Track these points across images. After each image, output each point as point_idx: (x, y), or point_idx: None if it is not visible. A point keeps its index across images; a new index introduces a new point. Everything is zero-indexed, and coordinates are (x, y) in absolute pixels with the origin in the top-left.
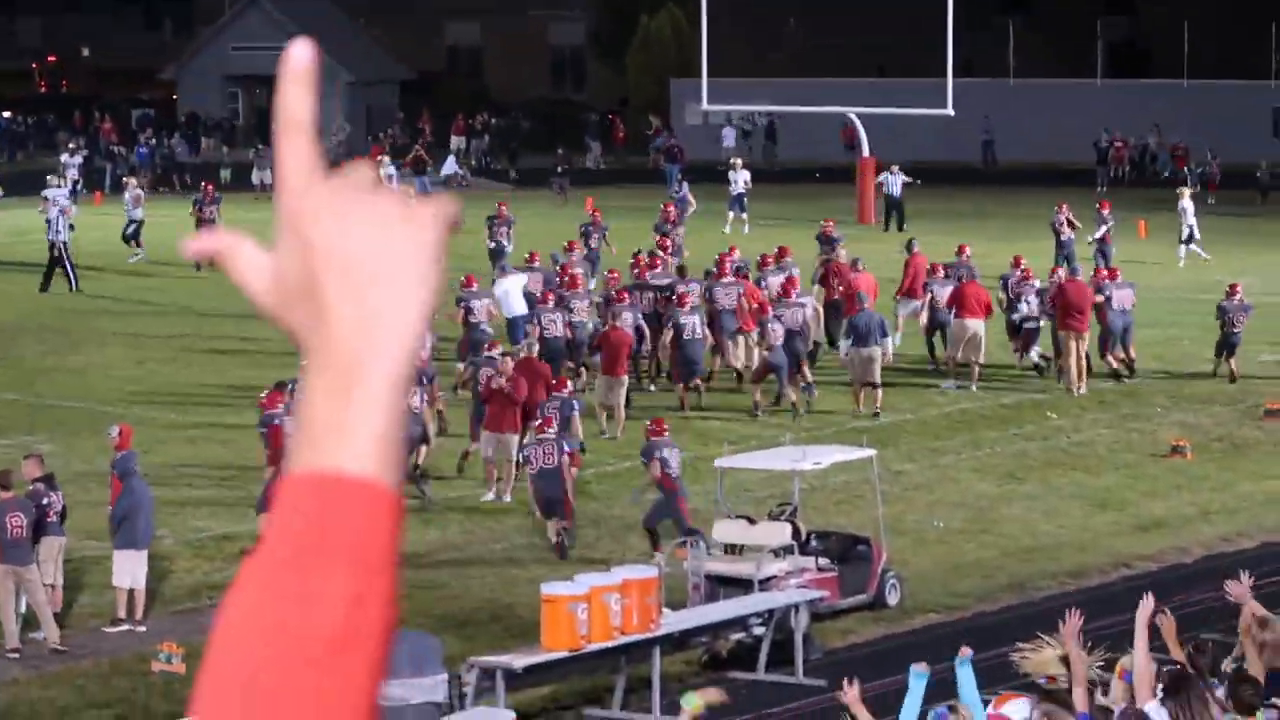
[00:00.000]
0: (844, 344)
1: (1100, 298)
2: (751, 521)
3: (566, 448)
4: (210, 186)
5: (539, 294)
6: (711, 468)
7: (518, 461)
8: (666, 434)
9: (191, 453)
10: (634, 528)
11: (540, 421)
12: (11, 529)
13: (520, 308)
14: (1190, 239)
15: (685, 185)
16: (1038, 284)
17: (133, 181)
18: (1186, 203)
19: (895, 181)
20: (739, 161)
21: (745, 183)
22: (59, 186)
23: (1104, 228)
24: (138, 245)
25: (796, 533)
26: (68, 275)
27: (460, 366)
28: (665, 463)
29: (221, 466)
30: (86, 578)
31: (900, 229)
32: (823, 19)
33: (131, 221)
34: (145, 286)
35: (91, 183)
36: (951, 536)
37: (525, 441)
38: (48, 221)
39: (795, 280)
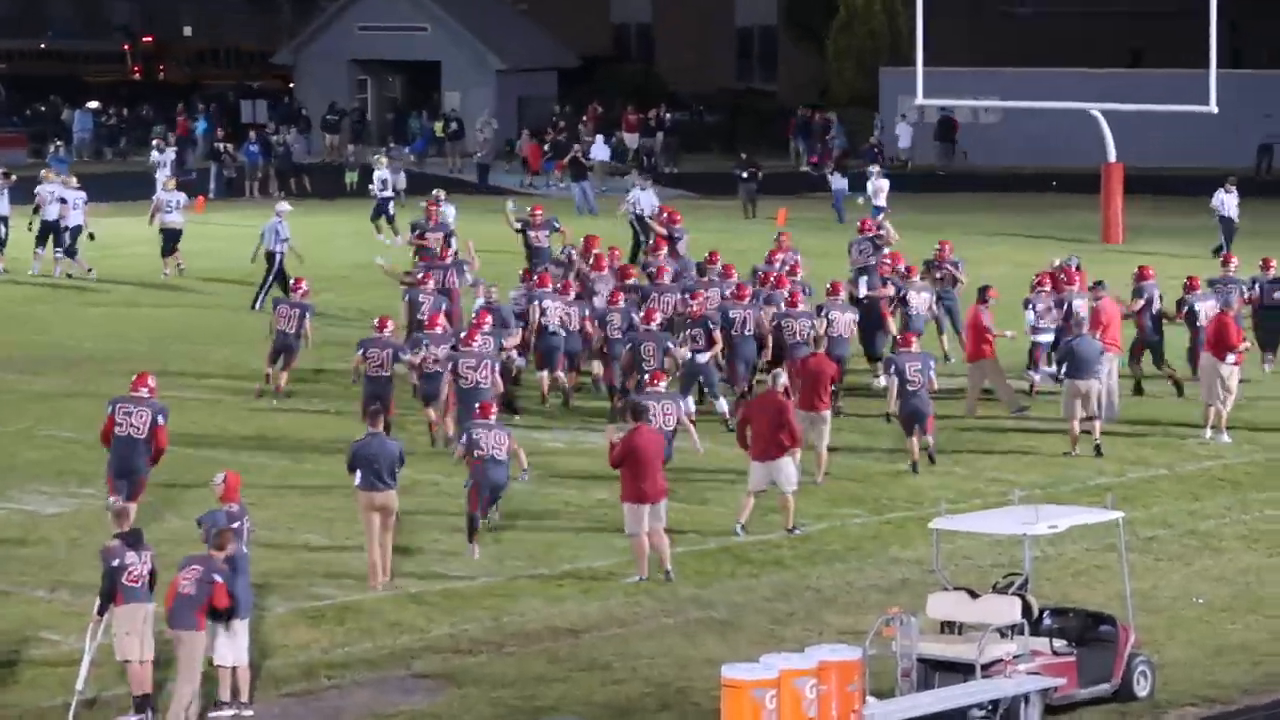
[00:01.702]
0: (1043, 372)
1: None
2: (973, 595)
3: None
4: (433, 207)
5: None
6: (923, 529)
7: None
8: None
9: (306, 505)
10: (833, 601)
11: None
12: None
13: None
14: None
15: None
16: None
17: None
18: None
19: (1229, 201)
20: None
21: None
22: (168, 189)
23: None
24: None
25: (1027, 609)
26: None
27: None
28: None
29: (336, 519)
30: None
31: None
32: None
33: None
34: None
35: (190, 185)
36: (1213, 615)
37: None
38: (262, 234)
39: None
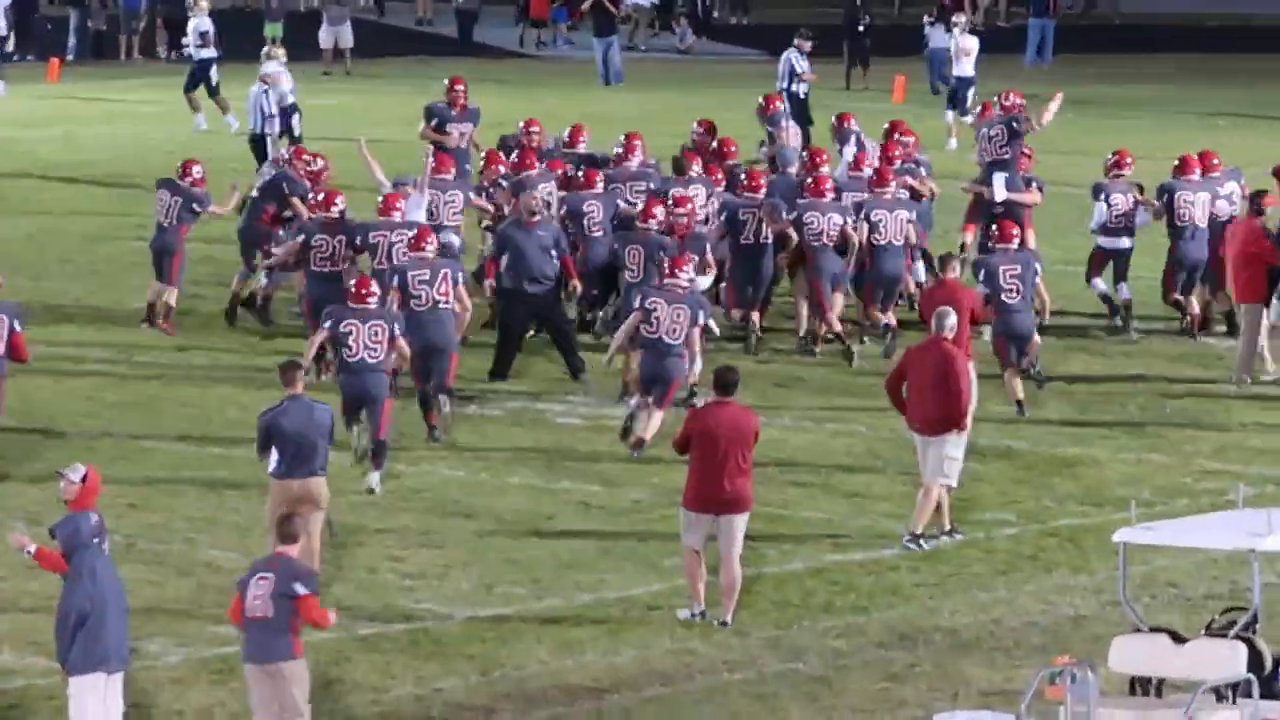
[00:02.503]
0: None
1: None
2: (1177, 639)
3: None
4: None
5: None
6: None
7: None
8: None
9: (208, 507)
10: (973, 647)
11: None
12: None
13: None
14: None
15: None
16: None
17: None
18: None
19: None
20: None
21: None
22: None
23: None
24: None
25: (1256, 658)
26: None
27: None
28: None
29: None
30: None
31: None
32: None
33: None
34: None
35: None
36: None
37: None
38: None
39: None
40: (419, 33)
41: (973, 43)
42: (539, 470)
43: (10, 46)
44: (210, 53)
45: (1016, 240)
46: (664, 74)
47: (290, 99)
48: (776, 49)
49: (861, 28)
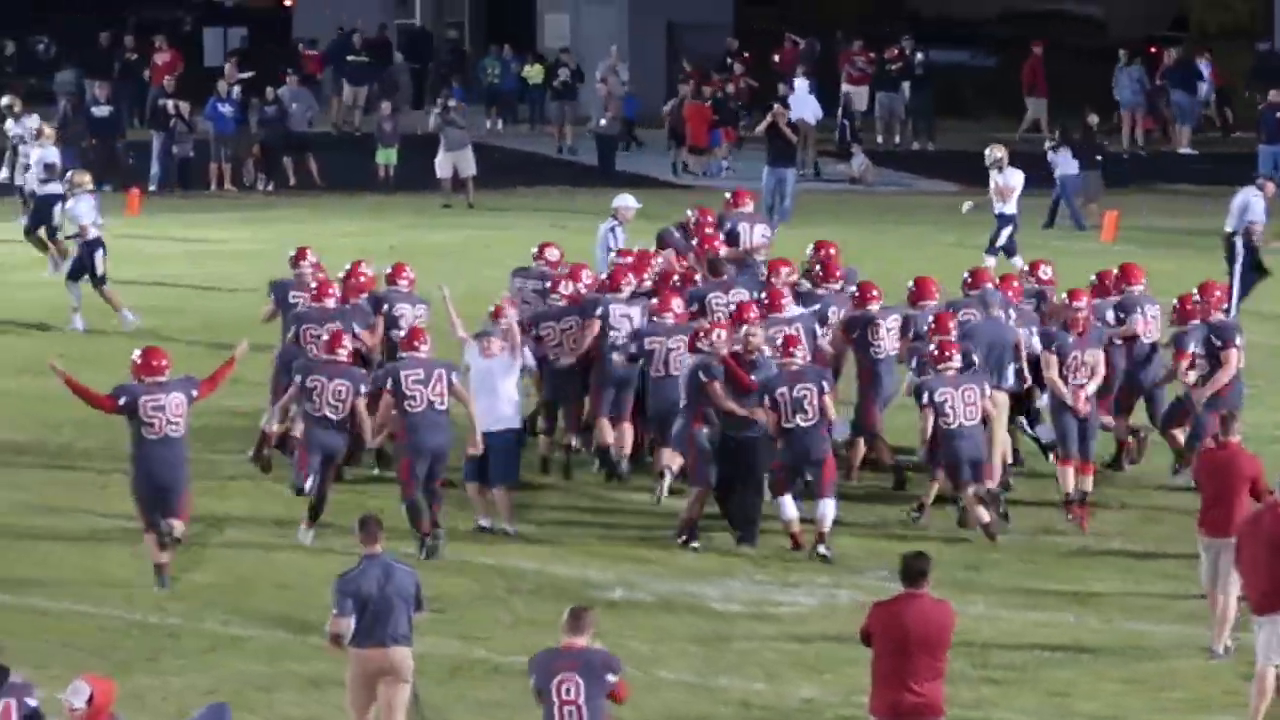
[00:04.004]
0: None
1: None
2: None
3: None
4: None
5: None
6: None
7: None
8: None
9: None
10: None
11: None
12: None
13: None
14: None
15: None
16: None
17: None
18: None
19: None
20: None
21: None
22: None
23: None
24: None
25: None
26: None
27: None
28: None
29: None
30: None
31: None
32: None
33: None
34: None
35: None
36: None
37: None
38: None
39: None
40: (551, 159)
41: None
42: (693, 664)
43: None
44: (56, 188)
45: None
46: (836, 206)
47: (94, 232)
48: (969, 179)
49: (1087, 153)
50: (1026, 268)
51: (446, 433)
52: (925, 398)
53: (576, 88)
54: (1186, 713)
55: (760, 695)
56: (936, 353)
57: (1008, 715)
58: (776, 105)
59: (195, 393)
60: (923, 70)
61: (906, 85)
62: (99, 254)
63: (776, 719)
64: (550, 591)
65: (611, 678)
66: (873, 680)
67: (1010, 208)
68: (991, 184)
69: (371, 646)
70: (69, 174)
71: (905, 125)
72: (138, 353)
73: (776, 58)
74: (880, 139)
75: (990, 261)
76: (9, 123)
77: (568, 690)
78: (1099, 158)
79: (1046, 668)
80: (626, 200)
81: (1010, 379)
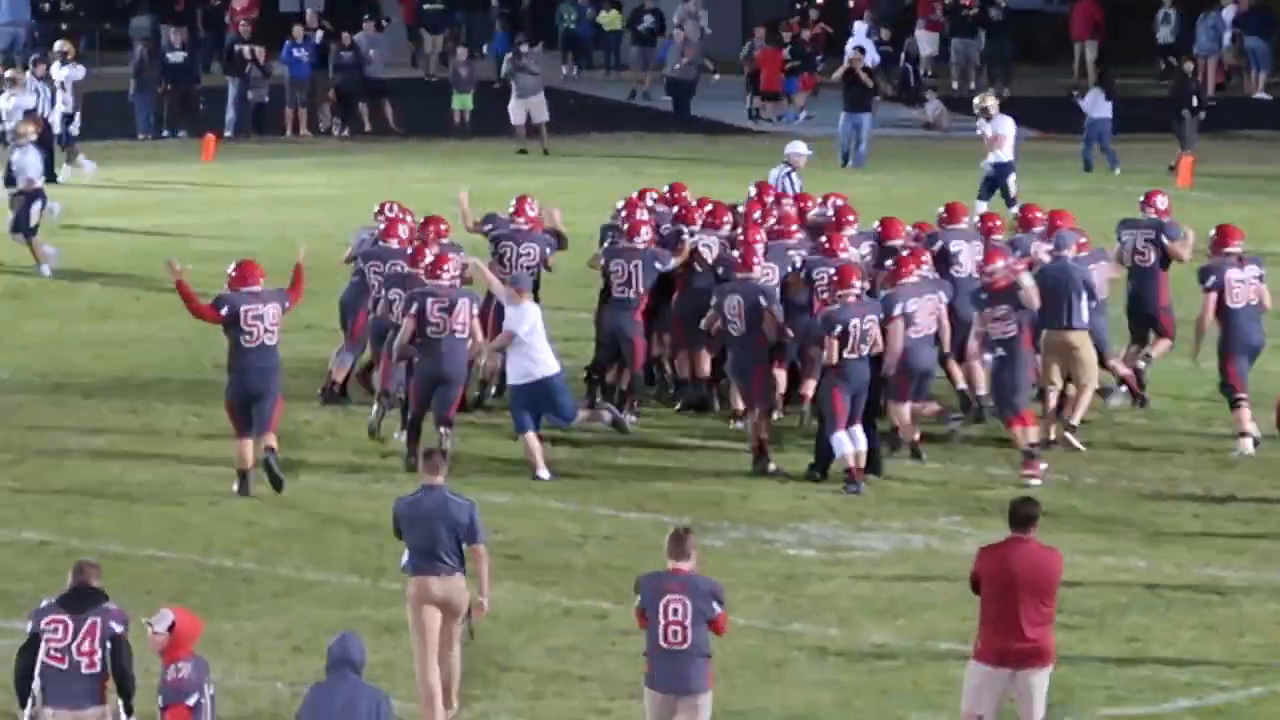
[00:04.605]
0: None
1: None
2: None
3: None
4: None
5: None
6: None
7: None
8: None
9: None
10: None
11: None
12: None
13: None
14: None
15: None
16: None
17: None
18: None
19: None
20: None
21: None
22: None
23: None
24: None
25: None
26: None
27: None
28: None
29: None
30: None
31: None
32: None
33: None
34: None
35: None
36: None
37: None
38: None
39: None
40: (626, 105)
41: None
42: (766, 610)
43: (75, 128)
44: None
45: None
46: (910, 152)
47: (38, 184)
48: (1042, 124)
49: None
50: (1141, 198)
51: (463, 361)
52: (897, 309)
53: (657, 35)
54: (1262, 658)
55: (834, 640)
56: (896, 267)
57: (1083, 661)
58: (853, 51)
59: (287, 303)
60: (999, 16)
61: (982, 31)
62: (36, 205)
63: (850, 664)
64: (624, 537)
65: (717, 606)
66: (979, 625)
67: (1007, 154)
68: (980, 133)
69: (425, 573)
70: (15, 124)
71: (980, 71)
72: (233, 265)
73: (851, 3)
74: (955, 85)
75: (982, 208)
76: (55, 65)
77: (675, 610)
78: (1195, 103)
79: (1121, 613)
80: (798, 147)
81: (1085, 317)
